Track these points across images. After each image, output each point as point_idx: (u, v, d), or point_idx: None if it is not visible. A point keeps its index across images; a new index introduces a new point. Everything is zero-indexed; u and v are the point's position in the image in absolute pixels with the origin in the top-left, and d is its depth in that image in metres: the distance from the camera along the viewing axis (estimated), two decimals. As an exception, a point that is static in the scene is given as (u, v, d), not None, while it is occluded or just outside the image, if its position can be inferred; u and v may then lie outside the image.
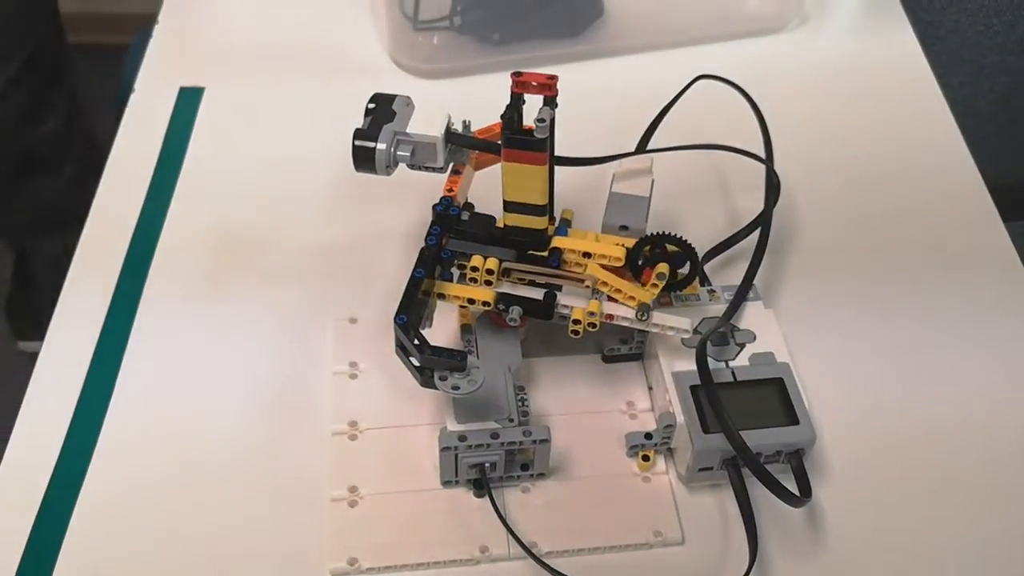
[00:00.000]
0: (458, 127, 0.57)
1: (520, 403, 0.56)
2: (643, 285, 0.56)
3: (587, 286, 0.56)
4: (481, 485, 0.55)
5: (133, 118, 0.77)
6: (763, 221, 0.65)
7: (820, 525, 0.56)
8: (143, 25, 0.88)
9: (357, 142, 0.55)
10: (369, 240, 0.69)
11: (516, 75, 0.52)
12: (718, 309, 0.59)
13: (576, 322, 0.55)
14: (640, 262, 0.56)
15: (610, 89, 0.81)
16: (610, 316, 0.55)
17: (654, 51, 0.87)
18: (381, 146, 0.55)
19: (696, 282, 0.59)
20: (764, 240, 0.64)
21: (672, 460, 0.57)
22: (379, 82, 0.82)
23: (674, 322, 0.55)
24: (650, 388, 0.60)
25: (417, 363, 0.52)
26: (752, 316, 0.59)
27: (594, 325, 0.55)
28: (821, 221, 0.72)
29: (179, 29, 0.86)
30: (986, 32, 1.05)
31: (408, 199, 0.68)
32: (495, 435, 0.53)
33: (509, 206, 0.55)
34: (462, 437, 0.53)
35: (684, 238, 0.55)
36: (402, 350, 0.52)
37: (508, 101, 0.52)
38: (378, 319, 0.63)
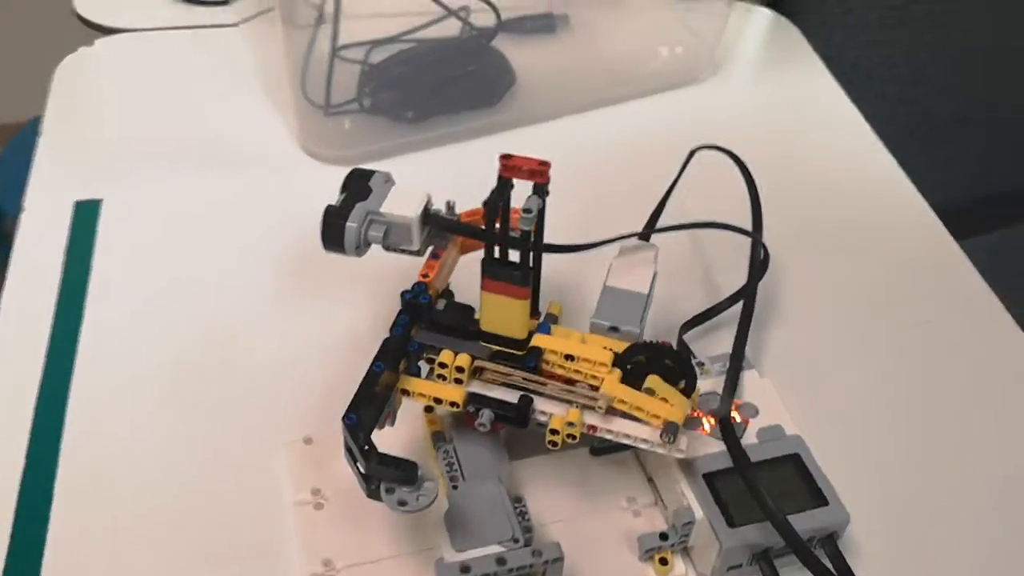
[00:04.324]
0: (441, 208, 0.52)
1: (521, 518, 0.50)
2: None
3: (600, 407, 0.49)
4: (489, 617, 0.49)
5: (26, 241, 0.68)
6: (747, 293, 0.60)
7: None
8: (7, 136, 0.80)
9: (326, 220, 0.50)
10: (319, 345, 0.62)
11: (505, 158, 0.47)
12: (708, 384, 0.55)
13: (554, 432, 0.49)
14: (628, 367, 0.50)
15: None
16: (592, 428, 0.50)
17: (573, 114, 0.84)
18: (352, 225, 0.50)
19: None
20: (749, 313, 0.59)
21: (691, 559, 0.52)
22: (291, 173, 0.77)
23: (646, 434, 0.49)
24: (650, 479, 0.55)
25: (363, 470, 0.46)
26: (749, 387, 0.55)
27: (573, 437, 0.49)
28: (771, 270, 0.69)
29: (65, 139, 0.78)
30: (884, 64, 1.06)
31: (355, 293, 0.63)
32: (502, 560, 0.47)
33: (485, 336, 0.50)
34: (465, 568, 0.47)
35: (684, 355, 0.50)
36: (350, 454, 0.47)
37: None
38: (338, 434, 0.56)
